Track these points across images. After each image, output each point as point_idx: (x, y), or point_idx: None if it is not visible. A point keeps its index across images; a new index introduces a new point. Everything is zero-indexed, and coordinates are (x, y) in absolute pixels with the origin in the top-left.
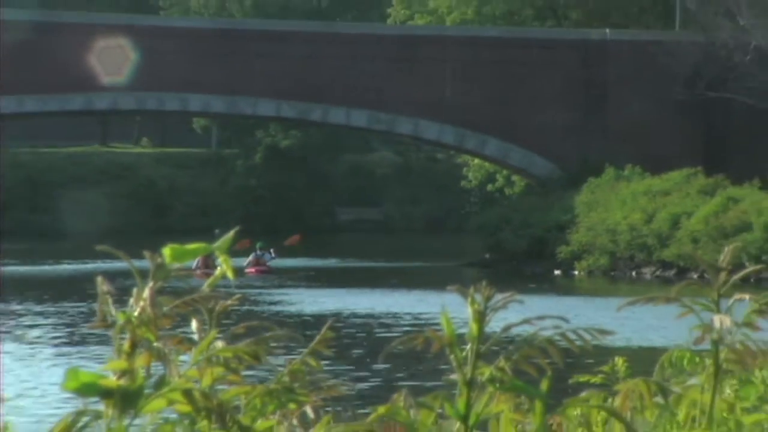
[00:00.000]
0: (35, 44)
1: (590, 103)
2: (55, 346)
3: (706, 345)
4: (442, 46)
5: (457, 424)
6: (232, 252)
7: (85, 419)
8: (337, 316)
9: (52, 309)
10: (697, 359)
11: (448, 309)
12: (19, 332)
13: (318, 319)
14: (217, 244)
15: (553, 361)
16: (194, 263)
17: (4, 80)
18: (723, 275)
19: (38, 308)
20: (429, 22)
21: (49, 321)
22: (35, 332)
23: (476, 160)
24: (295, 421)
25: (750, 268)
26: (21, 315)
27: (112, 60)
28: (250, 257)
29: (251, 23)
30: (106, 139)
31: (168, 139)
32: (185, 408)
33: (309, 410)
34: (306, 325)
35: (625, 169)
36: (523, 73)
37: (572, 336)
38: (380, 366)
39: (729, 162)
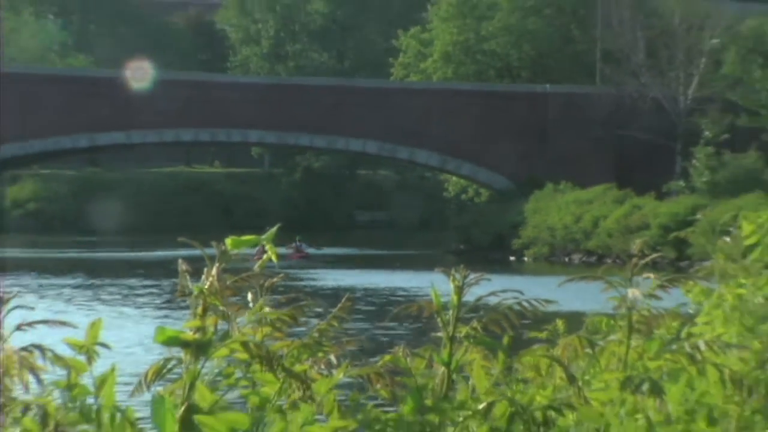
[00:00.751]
0: (136, 94)
1: (535, 138)
2: (149, 310)
3: (621, 311)
4: (429, 96)
5: (442, 369)
6: (277, 244)
7: (171, 363)
8: (353, 289)
9: (149, 283)
10: (613, 321)
11: (435, 285)
12: (124, 299)
13: (340, 292)
14: (264, 236)
15: (512, 322)
16: (255, 251)
17: (121, 123)
18: (634, 260)
19: (141, 282)
20: (420, 78)
21: (147, 291)
22: (138, 300)
23: (454, 178)
24: (322, 366)
25: (651, 255)
26: (129, 286)
27: (195, 104)
28: (291, 247)
29: (293, 80)
30: (190, 162)
31: (233, 162)
32: (243, 356)
33: (333, 358)
34: (331, 296)
35: (561, 184)
36: (487, 116)
37: (526, 304)
38: (386, 326)
39: (633, 180)
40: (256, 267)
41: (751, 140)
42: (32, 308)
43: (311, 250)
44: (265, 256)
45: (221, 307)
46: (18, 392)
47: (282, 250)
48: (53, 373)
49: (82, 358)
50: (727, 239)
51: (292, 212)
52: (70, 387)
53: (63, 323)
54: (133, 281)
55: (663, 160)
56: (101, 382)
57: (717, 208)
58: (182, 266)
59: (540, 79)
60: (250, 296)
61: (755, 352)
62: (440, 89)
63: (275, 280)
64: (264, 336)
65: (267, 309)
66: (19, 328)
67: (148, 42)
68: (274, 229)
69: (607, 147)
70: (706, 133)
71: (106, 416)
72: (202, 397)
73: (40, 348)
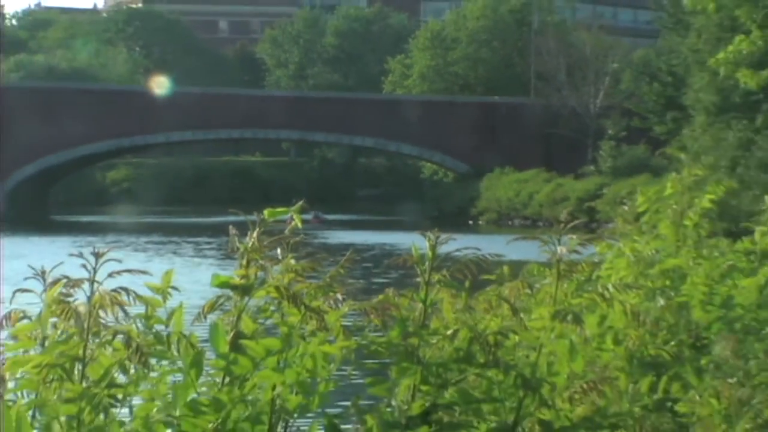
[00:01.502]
0: (201, 104)
1: (487, 135)
2: (208, 261)
3: (552, 261)
4: (410, 105)
5: (420, 305)
6: (301, 213)
7: (222, 300)
8: (355, 245)
9: (208, 241)
10: (545, 269)
11: (415, 243)
12: (190, 253)
13: (346, 247)
14: (292, 208)
15: (472, 271)
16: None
17: (195, 123)
18: (562, 225)
19: (203, 241)
20: (404, 92)
21: (206, 248)
22: (200, 254)
23: (428, 164)
24: (332, 302)
25: (574, 221)
26: (194, 244)
27: (242, 111)
28: (312, 215)
29: (312, 94)
30: (238, 153)
31: (269, 153)
32: (275, 295)
33: (339, 296)
34: (339, 250)
35: (505, 169)
36: (452, 119)
37: (482, 256)
38: (379, 273)
39: (557, 166)
40: (287, 230)
41: (641, 137)
42: (119, 260)
43: (326, 217)
44: (293, 223)
45: (260, 261)
46: (110, 322)
47: (305, 217)
48: (136, 308)
49: (158, 297)
50: (625, 207)
51: (312, 190)
52: (147, 318)
53: (143, 272)
54: (197, 240)
55: (579, 151)
56: (171, 314)
57: (616, 185)
58: (232, 230)
59: (490, 93)
60: (280, 252)
61: (646, 290)
62: (418, 100)
63: (298, 239)
64: (290, 280)
65: (292, 261)
66: (110, 275)
67: (208, 67)
68: (299, 204)
69: (538, 142)
70: (609, 131)
71: (174, 340)
72: (246, 325)
73: (126, 290)
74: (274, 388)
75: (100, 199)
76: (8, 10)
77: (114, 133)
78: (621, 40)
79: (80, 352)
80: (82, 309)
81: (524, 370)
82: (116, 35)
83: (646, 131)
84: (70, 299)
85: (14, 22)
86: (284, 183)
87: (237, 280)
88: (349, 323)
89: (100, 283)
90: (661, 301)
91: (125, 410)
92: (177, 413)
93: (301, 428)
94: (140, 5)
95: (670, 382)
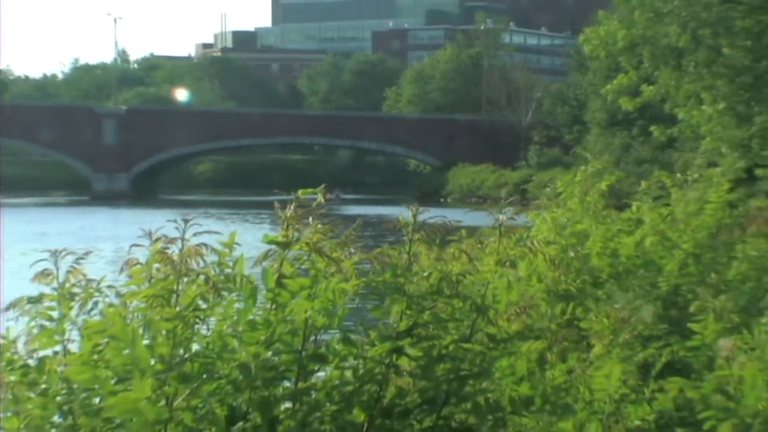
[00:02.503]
0: (259, 120)
1: (451, 141)
2: (261, 226)
3: (496, 225)
4: (402, 121)
5: (406, 255)
6: (325, 193)
7: (271, 252)
8: (363, 215)
9: (262, 212)
10: (492, 230)
11: (403, 213)
12: (250, 220)
13: (356, 217)
14: (318, 189)
15: (441, 231)
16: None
17: (255, 133)
18: (503, 201)
19: (258, 212)
20: (397, 112)
21: (261, 217)
22: (257, 220)
23: (412, 160)
24: (347, 254)
25: (510, 198)
26: (253, 214)
27: (288, 124)
28: (333, 193)
29: (334, 112)
30: (284, 152)
31: (304, 153)
32: (307, 248)
33: (352, 249)
34: (352, 219)
35: (465, 164)
36: (429, 130)
37: (448, 222)
38: (378, 234)
39: (500, 162)
40: (314, 205)
41: (556, 142)
42: (201, 224)
43: (344, 197)
44: (318, 199)
45: (296, 225)
46: (195, 266)
47: (329, 196)
48: (212, 257)
49: (226, 250)
50: (547, 189)
51: (333, 178)
52: (220, 264)
53: (217, 232)
54: (254, 211)
55: (514, 152)
56: (236, 262)
57: (540, 175)
58: (277, 204)
59: (454, 112)
60: (311, 219)
61: (561, 245)
62: (406, 117)
63: (322, 211)
64: (317, 239)
65: (319, 225)
66: (195, 234)
67: (264, 95)
68: (322, 186)
69: (487, 145)
70: (535, 138)
71: (238, 279)
72: (287, 269)
73: (205, 245)
74: (306, 312)
75: (192, 184)
76: (132, 57)
77: (201, 139)
78: (542, 78)
79: (174, 287)
80: (175, 258)
81: (477, 299)
82: (203, 74)
83: (559, 139)
84: (168, 251)
85: (135, 65)
86: (314, 173)
87: (280, 239)
88: (358, 268)
89: (188, 240)
90: (571, 253)
91: (205, 327)
92: (240, 329)
93: (325, 339)
94: (219, 54)
95: (576, 308)
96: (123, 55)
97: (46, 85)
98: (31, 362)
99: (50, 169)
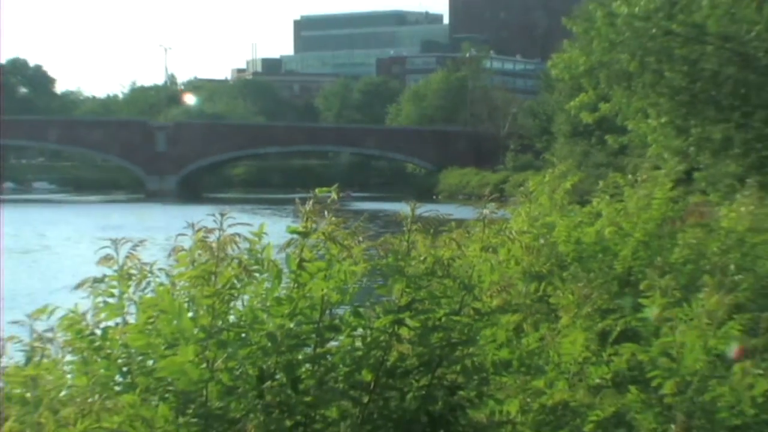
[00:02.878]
0: (284, 131)
1: (443, 148)
2: (285, 218)
3: (480, 218)
4: (401, 132)
5: (405, 242)
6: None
7: (294, 240)
8: (369, 210)
9: (285, 207)
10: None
11: (403, 208)
12: (275, 213)
13: (363, 211)
14: (332, 188)
15: (435, 223)
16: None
17: (281, 142)
18: (486, 198)
19: (282, 208)
20: (397, 124)
21: (285, 211)
22: (281, 214)
23: (410, 164)
24: (356, 241)
25: (492, 195)
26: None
27: (309, 135)
28: (345, 192)
29: (345, 125)
30: (304, 158)
31: (321, 158)
32: (323, 237)
33: (360, 239)
34: (360, 213)
35: (454, 167)
36: (426, 140)
37: (440, 215)
38: (382, 225)
39: (483, 165)
40: (329, 201)
41: (530, 149)
42: (234, 218)
43: (353, 195)
44: (332, 197)
45: (314, 218)
46: (230, 253)
47: (341, 194)
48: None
49: (256, 239)
50: (522, 188)
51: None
52: (251, 250)
53: (248, 224)
54: (279, 207)
55: (495, 157)
56: (264, 248)
57: (516, 176)
58: (298, 201)
59: (445, 124)
60: (326, 213)
61: (534, 234)
62: (405, 129)
63: (335, 206)
64: (332, 230)
65: (333, 218)
66: (230, 225)
67: (287, 111)
68: (335, 186)
69: (472, 152)
70: (512, 146)
71: (266, 263)
72: (306, 254)
73: (238, 234)
74: (323, 290)
75: (228, 184)
76: (179, 80)
77: (236, 147)
78: (517, 96)
79: (213, 269)
80: (214, 245)
81: (464, 279)
82: (237, 94)
83: (531, 146)
84: (208, 239)
85: (181, 86)
86: (328, 175)
87: (301, 229)
88: (366, 254)
89: (224, 230)
90: (542, 241)
91: (239, 302)
92: (268, 304)
93: (339, 313)
94: (250, 77)
95: (546, 286)
96: (171, 78)
97: (109, 103)
98: (97, 332)
99: (111, 172)
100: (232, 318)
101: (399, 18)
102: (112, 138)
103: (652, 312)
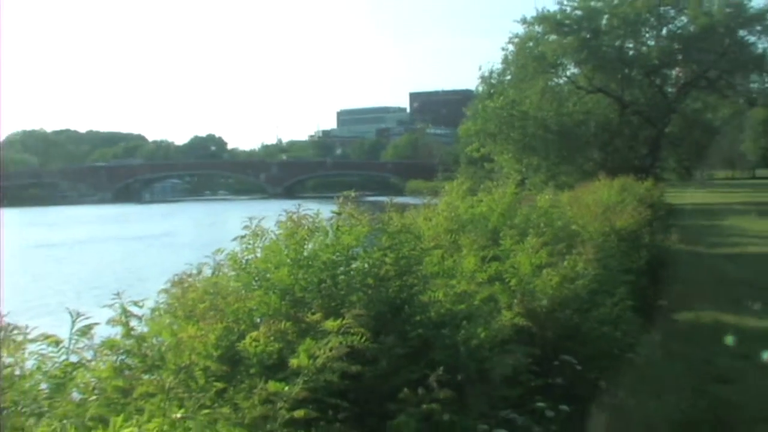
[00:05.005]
0: (304, 164)
1: (408, 171)
2: (330, 206)
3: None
4: (389, 164)
5: (387, 217)
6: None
7: (335, 217)
8: (370, 201)
9: (333, 200)
10: (425, 205)
11: (387, 200)
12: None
13: (367, 202)
14: (352, 191)
15: (403, 208)
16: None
17: (330, 167)
18: (427, 194)
19: (331, 201)
20: (386, 160)
21: (331, 202)
22: (330, 204)
23: (392, 179)
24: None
25: (433, 194)
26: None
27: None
28: (359, 193)
29: (359, 161)
30: (341, 176)
31: (348, 176)
32: (348, 214)
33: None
34: (366, 203)
35: (414, 179)
36: (397, 167)
37: (407, 203)
38: (376, 209)
39: (428, 178)
40: (351, 197)
41: (448, 171)
42: (308, 207)
43: (365, 194)
44: (353, 195)
45: (345, 205)
46: (304, 224)
47: (358, 194)
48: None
49: (317, 216)
50: (444, 189)
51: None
52: (314, 221)
53: (312, 210)
54: (331, 199)
55: (434, 174)
56: (319, 221)
57: (442, 183)
58: (336, 198)
59: (409, 160)
60: (350, 203)
61: (449, 210)
62: (390, 162)
63: (354, 200)
64: (352, 211)
65: (352, 205)
66: (303, 209)
67: (335, 156)
68: (353, 190)
69: (422, 172)
70: (440, 169)
71: (321, 228)
72: (340, 223)
73: (307, 214)
74: (348, 240)
75: (307, 189)
76: (283, 140)
77: (309, 172)
78: (442, 145)
79: (296, 229)
80: (296, 218)
81: (416, 233)
82: (310, 146)
83: (449, 169)
84: (294, 216)
85: (284, 143)
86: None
87: (338, 211)
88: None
89: (300, 212)
90: (453, 214)
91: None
92: (323, 246)
93: (357, 251)
94: (317, 139)
95: (454, 235)
96: (279, 140)
97: (250, 154)
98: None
99: (249, 184)
100: (305, 254)
101: (385, 109)
102: (252, 167)
103: (506, 246)
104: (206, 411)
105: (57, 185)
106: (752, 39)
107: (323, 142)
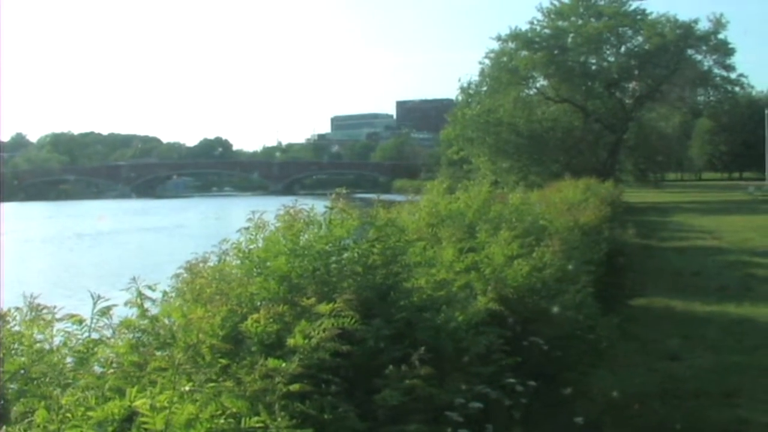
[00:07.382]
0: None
1: (394, 171)
2: (325, 202)
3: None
4: (377, 164)
5: (375, 211)
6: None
7: (329, 211)
8: (360, 198)
9: (326, 197)
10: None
11: (375, 197)
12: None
13: (357, 199)
14: (344, 188)
15: (389, 204)
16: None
17: (326, 167)
18: (411, 192)
19: (325, 197)
20: (376, 161)
21: (325, 198)
22: (325, 201)
23: (381, 177)
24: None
25: (414, 191)
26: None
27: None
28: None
29: (352, 161)
30: (334, 175)
31: (341, 175)
32: (340, 208)
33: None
34: (356, 200)
35: (400, 179)
36: (386, 167)
37: (393, 199)
38: (366, 205)
39: (413, 177)
40: (344, 193)
41: (430, 171)
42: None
43: (355, 192)
44: (345, 192)
45: (338, 201)
46: (300, 217)
47: (349, 191)
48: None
49: (312, 210)
50: (427, 187)
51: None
52: (309, 215)
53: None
54: (325, 196)
55: (417, 174)
56: (313, 214)
57: (425, 182)
58: (329, 194)
59: (395, 161)
60: (342, 199)
61: (430, 206)
62: (379, 163)
63: (346, 196)
64: (344, 206)
65: (344, 201)
66: (299, 205)
67: (327, 156)
68: (344, 187)
69: (407, 172)
70: (423, 170)
71: (315, 221)
72: (333, 217)
73: (303, 209)
74: (340, 232)
75: (304, 187)
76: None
77: (306, 170)
78: (425, 148)
79: (293, 222)
80: (293, 212)
81: (401, 226)
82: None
83: (432, 170)
84: (291, 210)
85: (283, 145)
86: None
87: (331, 206)
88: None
89: (296, 207)
90: (434, 209)
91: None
92: (317, 238)
93: (348, 242)
94: (313, 141)
95: (436, 229)
96: (279, 143)
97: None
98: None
99: (252, 182)
100: (301, 244)
101: (374, 116)
102: (254, 167)
103: (481, 238)
104: (212, 384)
105: (83, 182)
106: (699, 57)
107: (319, 144)
